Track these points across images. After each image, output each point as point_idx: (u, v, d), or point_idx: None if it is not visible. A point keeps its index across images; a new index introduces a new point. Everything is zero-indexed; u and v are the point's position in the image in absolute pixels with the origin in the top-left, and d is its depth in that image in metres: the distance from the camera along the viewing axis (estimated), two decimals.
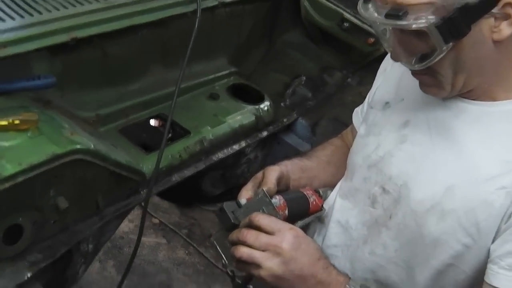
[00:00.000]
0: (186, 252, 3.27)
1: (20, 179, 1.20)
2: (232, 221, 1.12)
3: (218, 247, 1.20)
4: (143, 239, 3.16)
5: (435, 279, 1.13)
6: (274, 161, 1.31)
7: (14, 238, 1.29)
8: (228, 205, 1.15)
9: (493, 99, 1.08)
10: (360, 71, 2.11)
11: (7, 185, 1.16)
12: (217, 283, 3.15)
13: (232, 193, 2.02)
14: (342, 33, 2.03)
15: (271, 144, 2.09)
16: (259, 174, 1.26)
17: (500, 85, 1.07)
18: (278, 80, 2.13)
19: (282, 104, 2.11)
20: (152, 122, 1.75)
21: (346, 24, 2.00)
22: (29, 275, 1.31)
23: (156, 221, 3.31)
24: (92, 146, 1.36)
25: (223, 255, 1.20)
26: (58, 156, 1.27)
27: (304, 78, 2.14)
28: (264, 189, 1.17)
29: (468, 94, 1.09)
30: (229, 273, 3.26)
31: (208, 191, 2.11)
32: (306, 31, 2.19)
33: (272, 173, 1.23)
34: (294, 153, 2.06)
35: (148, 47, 1.69)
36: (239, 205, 1.15)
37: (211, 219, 3.51)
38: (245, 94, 2.00)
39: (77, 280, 1.66)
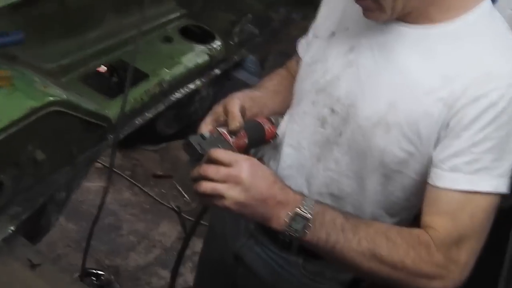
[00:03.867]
0: (131, 192, 3.30)
1: (1, 136, 1.20)
2: (200, 152, 1.15)
3: (180, 188, 1.25)
4: (88, 184, 3.16)
5: (384, 185, 1.24)
6: (224, 97, 1.34)
7: None
8: (193, 138, 1.18)
9: (431, 21, 1.15)
10: (303, 6, 2.15)
11: None
12: (165, 220, 3.21)
13: (185, 133, 2.07)
14: None
15: (222, 81, 2.13)
16: (218, 108, 1.29)
17: (436, 6, 1.14)
18: (226, 19, 2.13)
19: (231, 42, 2.13)
20: (102, 69, 1.74)
21: None
22: (12, 228, 1.33)
23: (99, 165, 3.29)
24: (65, 96, 1.36)
25: (185, 194, 1.26)
26: (36, 109, 1.27)
27: (250, 15, 2.15)
28: (237, 125, 1.21)
29: (407, 17, 1.17)
30: (175, 208, 3.33)
31: (162, 131, 2.14)
32: None
33: (235, 107, 1.25)
34: (244, 88, 2.10)
35: None
36: (203, 137, 1.19)
37: (152, 158, 3.54)
38: (196, 34, 2.01)
39: (49, 229, 1.68)
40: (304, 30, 1.50)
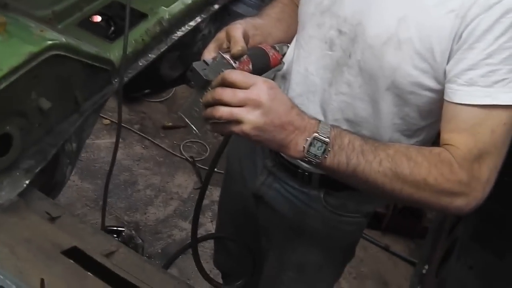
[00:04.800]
0: (143, 146, 3.27)
1: (3, 84, 1.15)
2: (205, 77, 1.10)
3: (186, 119, 1.19)
4: (98, 141, 3.14)
5: (399, 106, 1.20)
6: None
7: (4, 148, 1.25)
8: (197, 64, 1.13)
9: None
10: None
11: None
12: (179, 171, 3.20)
13: None
14: None
15: (223, 17, 2.06)
16: (221, 34, 1.22)
17: None
18: None
19: None
20: (97, 18, 1.66)
21: None
22: (27, 182, 1.29)
23: (106, 121, 3.26)
24: (64, 39, 1.31)
25: (193, 126, 1.19)
26: (35, 54, 1.22)
27: None
28: (239, 49, 1.14)
29: None
30: (189, 159, 3.32)
31: (167, 74, 2.09)
32: None
33: (238, 32, 1.18)
34: None
35: None
36: (206, 63, 1.13)
37: (160, 110, 3.50)
38: None
39: (65, 182, 1.64)
40: None
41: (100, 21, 1.63)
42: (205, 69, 1.12)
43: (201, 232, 2.78)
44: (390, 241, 3.08)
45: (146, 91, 2.85)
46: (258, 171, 1.53)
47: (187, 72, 1.15)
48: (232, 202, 1.81)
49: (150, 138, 3.29)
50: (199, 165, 3.22)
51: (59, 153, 1.50)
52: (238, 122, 1.03)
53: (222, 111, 1.03)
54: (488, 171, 1.09)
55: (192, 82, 1.14)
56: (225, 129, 1.06)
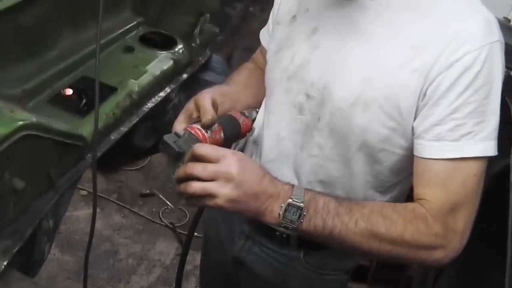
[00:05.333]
0: (122, 215, 3.28)
1: None
2: (176, 149, 1.11)
3: (161, 195, 1.19)
4: (77, 213, 3.14)
5: (371, 165, 1.23)
6: None
7: None
8: (168, 137, 1.14)
9: None
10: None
11: None
12: (160, 238, 3.20)
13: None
14: None
15: (192, 86, 2.12)
16: (190, 105, 1.26)
17: None
18: (184, 21, 2.12)
19: (193, 44, 2.12)
20: (69, 91, 1.71)
21: None
22: (5, 263, 1.28)
23: (84, 192, 3.26)
24: (34, 119, 1.33)
25: (167, 202, 1.20)
26: (7, 136, 1.23)
27: (208, 15, 2.15)
28: (209, 119, 1.18)
29: None
30: (169, 225, 3.31)
31: (140, 145, 2.12)
32: None
33: (206, 101, 1.22)
34: None
35: (57, 12, 1.64)
36: (177, 135, 1.15)
37: (137, 178, 3.52)
38: (157, 42, 1.99)
39: (44, 260, 1.64)
40: (264, 22, 1.49)
41: (71, 96, 1.66)
42: (176, 141, 1.13)
43: None
44: None
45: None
46: (236, 236, 1.53)
47: (159, 145, 1.16)
48: (213, 269, 1.80)
49: (128, 207, 3.31)
50: (180, 231, 3.22)
51: (36, 232, 1.50)
52: (211, 196, 1.04)
53: (195, 187, 1.05)
54: (463, 222, 1.11)
55: (165, 155, 1.15)
56: (199, 203, 1.08)
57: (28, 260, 1.54)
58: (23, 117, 1.31)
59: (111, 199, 3.32)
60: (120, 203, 3.32)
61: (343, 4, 1.19)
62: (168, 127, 2.12)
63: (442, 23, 1.10)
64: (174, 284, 1.75)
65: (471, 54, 1.06)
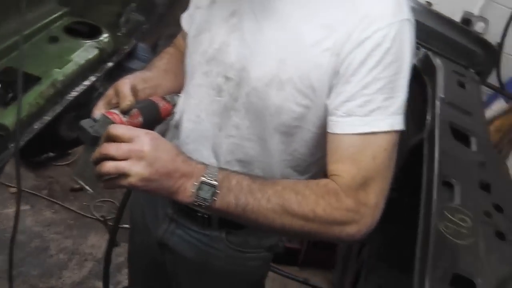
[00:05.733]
0: (53, 211, 3.21)
1: None
2: (92, 134, 1.13)
3: (80, 180, 1.21)
4: (6, 211, 3.06)
5: (286, 144, 1.26)
6: None
7: None
8: (85, 122, 1.15)
9: None
10: None
11: None
12: (91, 232, 3.15)
13: None
14: None
15: (118, 74, 2.10)
16: (110, 91, 1.27)
17: None
18: (110, 11, 2.11)
19: (119, 33, 2.11)
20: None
21: None
22: None
23: (13, 190, 3.18)
24: None
25: (86, 186, 1.22)
26: None
27: (134, 4, 2.14)
28: (127, 104, 1.19)
29: None
30: (100, 218, 3.26)
31: (66, 135, 2.10)
32: None
33: (125, 86, 1.24)
34: None
35: None
36: (95, 120, 1.16)
37: (67, 173, 3.45)
38: (82, 31, 1.98)
39: None
40: None
41: None
42: (92, 126, 1.14)
43: None
44: (308, 275, 3.14)
45: (50, 154, 2.82)
46: (160, 219, 1.54)
47: (77, 130, 1.16)
48: (139, 254, 1.79)
49: (59, 202, 3.23)
50: (111, 224, 3.19)
51: None
52: (125, 175, 1.05)
53: (109, 166, 1.05)
54: (375, 196, 1.14)
55: (82, 140, 1.16)
56: (115, 184, 1.07)
57: None
58: None
59: (41, 195, 3.24)
60: (51, 199, 3.24)
61: None
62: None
63: (353, 3, 1.13)
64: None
65: (381, 31, 1.10)
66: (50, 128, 1.78)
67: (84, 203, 3.30)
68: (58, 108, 1.77)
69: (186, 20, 1.49)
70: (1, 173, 1.60)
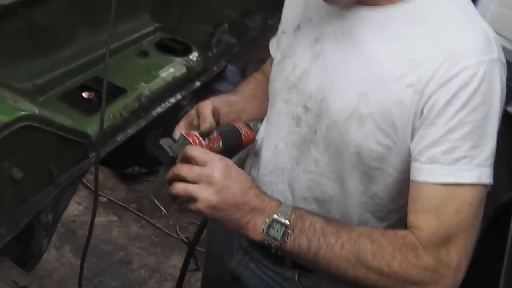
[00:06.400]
0: (139, 225, 3.28)
1: None
2: (171, 154, 1.13)
3: (156, 200, 1.22)
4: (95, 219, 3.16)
5: (366, 185, 1.19)
6: None
7: None
8: (164, 141, 1.16)
9: (391, 1, 1.12)
10: (278, 11, 2.15)
11: None
12: (175, 252, 3.18)
13: None
14: None
15: (205, 95, 2.13)
16: (192, 111, 1.27)
17: None
18: (202, 30, 2.16)
19: (209, 53, 2.14)
20: (85, 94, 1.75)
21: None
22: None
23: (104, 199, 3.29)
24: (37, 111, 1.37)
25: (161, 207, 1.22)
26: (6, 124, 1.27)
27: (226, 25, 2.17)
28: (207, 126, 1.18)
29: (367, 0, 1.14)
30: (185, 240, 3.30)
31: (152, 151, 2.14)
32: None
33: (207, 109, 1.23)
34: None
35: (73, 11, 1.69)
36: (174, 140, 1.16)
37: None
38: (172, 48, 2.02)
39: (41, 254, 1.67)
40: None
41: (81, 95, 1.71)
42: (171, 146, 1.15)
43: None
44: None
45: (142, 170, 2.89)
46: (235, 250, 1.50)
47: (155, 149, 1.18)
48: (212, 280, 1.77)
49: (146, 217, 3.31)
50: (196, 246, 3.21)
51: (34, 225, 1.53)
52: (193, 199, 1.04)
53: (179, 187, 1.04)
54: (457, 256, 1.04)
55: (160, 159, 1.17)
56: (185, 207, 1.07)
57: (24, 253, 1.56)
58: (26, 107, 1.35)
59: (130, 208, 3.33)
60: (139, 213, 3.32)
61: (344, 14, 1.17)
62: None
63: (440, 38, 1.06)
64: None
65: (469, 70, 1.02)
66: (136, 142, 1.81)
67: (171, 222, 3.34)
68: (142, 123, 1.81)
69: (273, 45, 1.47)
70: (81, 179, 1.64)
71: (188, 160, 1.07)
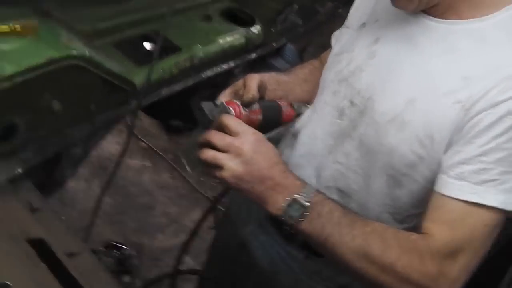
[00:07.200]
0: (171, 176, 3.36)
1: (18, 79, 1.24)
2: (210, 117, 1.16)
3: (183, 159, 1.25)
4: (129, 161, 3.24)
5: (391, 188, 1.21)
6: None
7: (9, 136, 1.34)
8: (205, 104, 1.19)
9: (458, 16, 1.13)
10: (350, 2, 2.13)
11: (6, 85, 1.21)
12: (198, 207, 3.25)
13: None
14: None
15: (259, 66, 2.14)
16: (240, 82, 1.30)
17: (464, 2, 1.12)
18: (271, 6, 2.14)
19: (272, 29, 2.14)
20: (147, 45, 1.77)
21: None
22: (19, 170, 1.37)
23: (144, 145, 3.37)
24: (87, 53, 1.40)
25: (187, 166, 1.25)
26: (55, 60, 1.30)
27: (296, 6, 2.16)
28: (249, 97, 1.22)
29: (435, 11, 1.14)
30: (210, 198, 3.34)
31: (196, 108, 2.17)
32: None
33: (253, 81, 1.26)
34: None
35: None
36: (215, 104, 1.20)
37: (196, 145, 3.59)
38: (237, 18, 2.03)
39: (63, 183, 1.72)
40: None
41: (135, 46, 1.74)
42: (212, 110, 1.18)
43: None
44: None
45: (179, 122, 2.92)
46: (251, 220, 1.55)
47: (196, 109, 1.21)
48: (220, 242, 1.82)
49: (179, 169, 3.38)
50: (220, 207, 3.26)
51: (63, 155, 1.58)
52: (220, 167, 1.07)
53: (207, 154, 1.08)
54: (458, 270, 1.07)
55: (198, 119, 1.21)
56: (211, 173, 1.10)
57: (47, 178, 1.62)
58: (77, 48, 1.39)
59: (166, 157, 3.40)
60: (173, 164, 3.39)
61: (409, 20, 1.19)
62: None
63: (498, 61, 1.06)
64: (195, 253, 1.77)
65: None
66: (182, 98, 1.84)
67: (201, 179, 3.40)
68: (189, 82, 1.83)
69: (335, 37, 1.48)
70: (117, 122, 1.68)
71: (223, 128, 1.10)
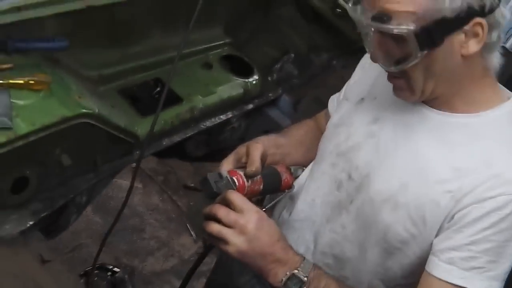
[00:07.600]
0: (160, 198, 3.41)
1: (32, 138, 1.30)
2: (215, 190, 1.23)
3: (187, 223, 1.32)
4: (121, 181, 3.28)
5: (384, 259, 1.29)
6: (255, 131, 1.31)
7: (20, 188, 1.41)
8: (211, 176, 1.26)
9: (453, 110, 1.20)
10: (345, 55, 2.21)
11: (20, 142, 1.27)
12: (187, 232, 3.30)
13: (213, 156, 2.13)
14: (334, 17, 2.08)
15: (255, 116, 2.21)
16: (242, 149, 1.36)
17: (460, 97, 1.19)
18: (269, 54, 2.20)
19: (269, 78, 2.20)
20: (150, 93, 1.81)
21: (338, 10, 2.04)
22: (31, 222, 1.44)
23: (133, 165, 3.40)
24: (97, 110, 1.46)
25: (191, 231, 1.32)
26: (67, 118, 1.36)
27: (292, 55, 2.21)
28: (253, 170, 1.28)
29: (433, 102, 1.22)
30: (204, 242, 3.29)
31: (191, 152, 2.23)
32: (300, 8, 2.23)
33: (257, 152, 1.32)
34: (274, 126, 2.22)
35: (152, 12, 1.77)
36: (221, 176, 1.27)
37: (187, 169, 3.64)
38: (236, 64, 2.10)
39: (67, 227, 1.79)
40: (341, 80, 1.54)
41: (138, 93, 1.80)
42: (217, 181, 1.25)
43: None
44: None
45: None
46: (248, 270, 1.56)
47: (200, 179, 1.29)
48: (216, 285, 1.87)
49: (169, 193, 3.44)
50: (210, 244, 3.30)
51: (68, 203, 1.65)
52: (224, 241, 1.17)
53: (213, 228, 1.18)
54: None
55: (202, 190, 1.28)
56: (215, 243, 1.20)
57: (52, 224, 1.70)
58: (88, 105, 1.44)
59: (156, 180, 3.46)
60: (163, 187, 3.46)
61: (407, 107, 1.26)
62: (220, 144, 2.24)
63: (492, 156, 1.14)
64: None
65: (506, 197, 1.11)
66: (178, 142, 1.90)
67: (191, 203, 3.46)
68: (189, 132, 1.90)
69: (334, 103, 1.54)
70: (120, 171, 1.75)
71: (227, 203, 1.19)
